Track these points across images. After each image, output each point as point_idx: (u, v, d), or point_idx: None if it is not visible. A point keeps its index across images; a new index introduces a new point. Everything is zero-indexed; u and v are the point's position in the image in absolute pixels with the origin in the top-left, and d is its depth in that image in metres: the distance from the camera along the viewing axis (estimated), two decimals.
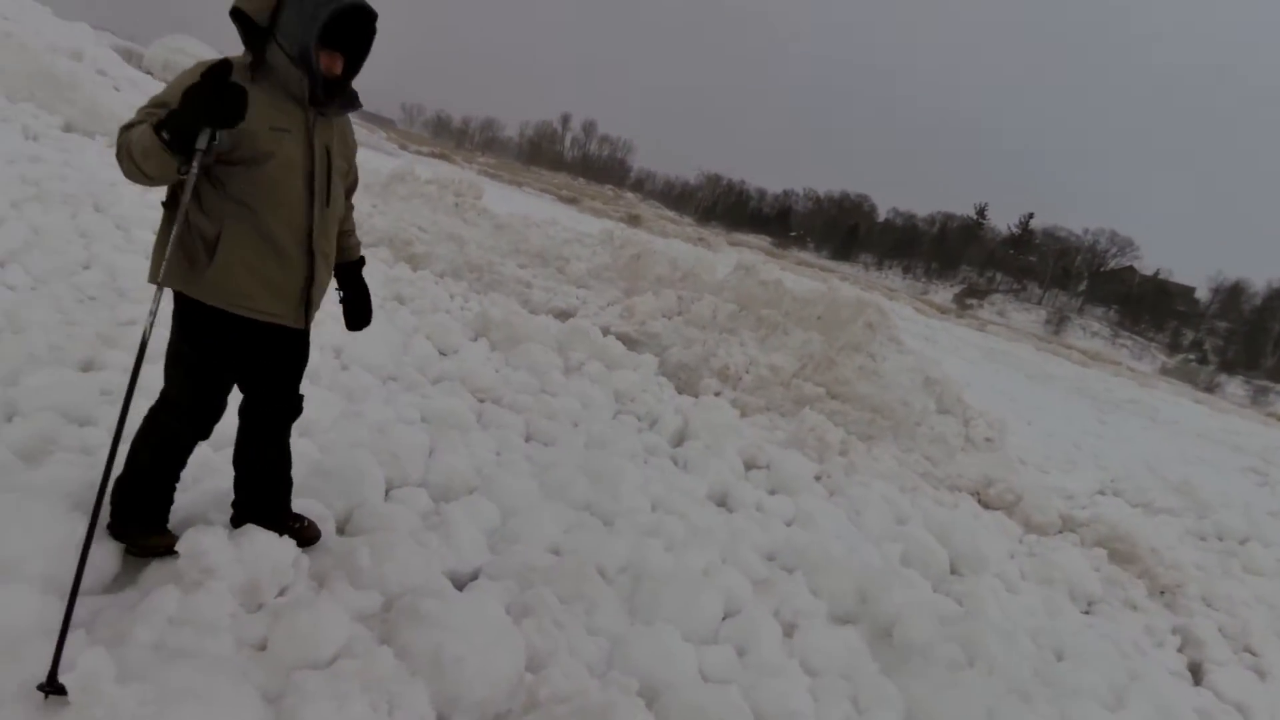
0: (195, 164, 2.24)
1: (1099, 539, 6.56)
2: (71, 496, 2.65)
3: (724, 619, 3.66)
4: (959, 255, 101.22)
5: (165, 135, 2.16)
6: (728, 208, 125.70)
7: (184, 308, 2.51)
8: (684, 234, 48.22)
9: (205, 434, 2.73)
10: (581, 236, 10.31)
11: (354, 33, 2.53)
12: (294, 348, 2.80)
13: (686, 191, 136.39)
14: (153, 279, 2.44)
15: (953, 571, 5.06)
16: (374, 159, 12.47)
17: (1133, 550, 6.27)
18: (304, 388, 4.77)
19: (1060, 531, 6.77)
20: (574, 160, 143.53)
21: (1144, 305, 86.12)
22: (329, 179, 2.60)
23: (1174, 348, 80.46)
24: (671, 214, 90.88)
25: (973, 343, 32.49)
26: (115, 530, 2.69)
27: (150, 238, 6.84)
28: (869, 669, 3.61)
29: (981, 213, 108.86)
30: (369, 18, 2.52)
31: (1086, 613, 5.46)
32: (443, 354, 6.61)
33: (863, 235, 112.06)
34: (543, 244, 9.83)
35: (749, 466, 5.98)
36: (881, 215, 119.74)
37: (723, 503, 5.34)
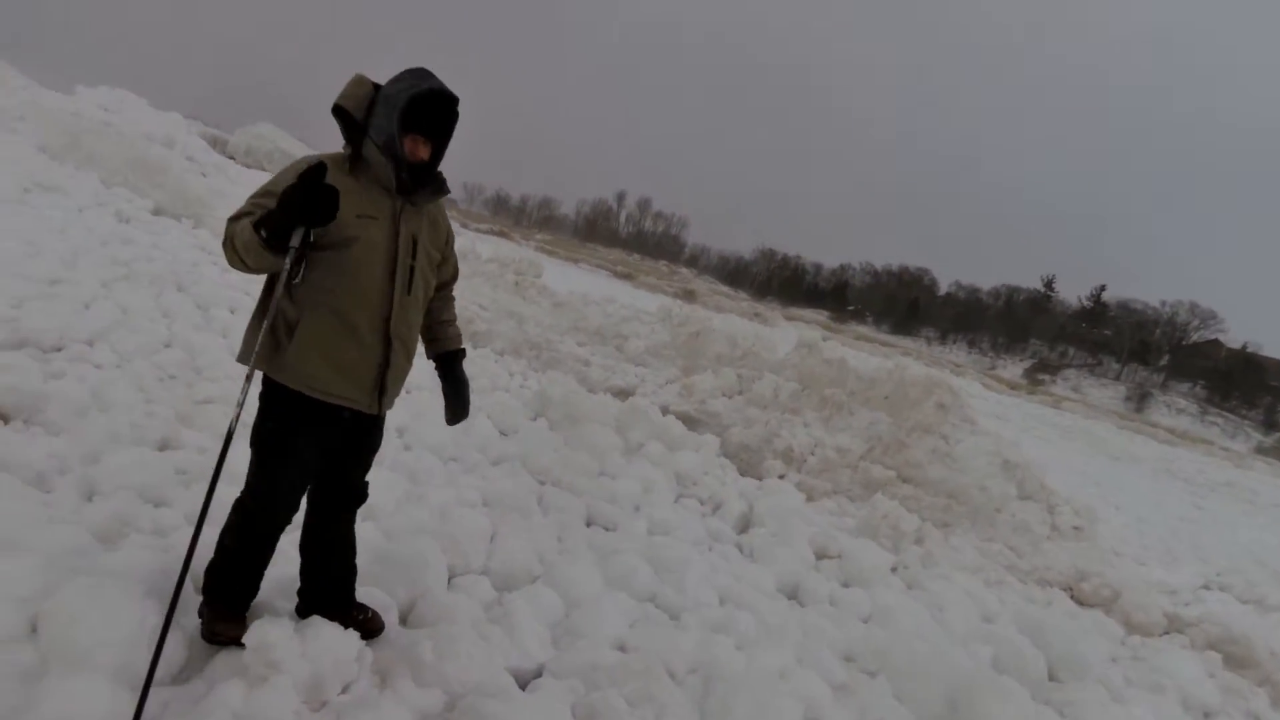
0: (288, 260, 2.36)
1: (1210, 641, 6.00)
2: (145, 582, 2.61)
3: None
4: (1027, 329, 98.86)
5: (264, 233, 2.29)
6: (783, 282, 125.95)
7: (267, 388, 2.58)
8: (740, 309, 48.27)
9: (285, 518, 2.73)
10: (640, 314, 10.26)
11: (437, 118, 2.58)
12: (366, 433, 2.78)
13: (741, 266, 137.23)
14: (241, 359, 2.55)
15: (1051, 678, 4.63)
16: None
17: (1249, 654, 5.71)
18: None
19: (1166, 632, 6.23)
20: (629, 236, 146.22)
21: (1233, 380, 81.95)
22: (413, 266, 2.62)
23: (1270, 425, 76.02)
24: (726, 289, 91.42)
25: (1048, 420, 31.39)
26: (201, 610, 2.73)
27: (227, 316, 7.00)
28: None
29: (1049, 285, 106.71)
30: (449, 102, 2.57)
31: None
32: (503, 434, 6.52)
33: (924, 309, 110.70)
34: (601, 321, 9.79)
35: (820, 556, 5.67)
36: (943, 288, 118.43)
37: (794, 595, 5.04)
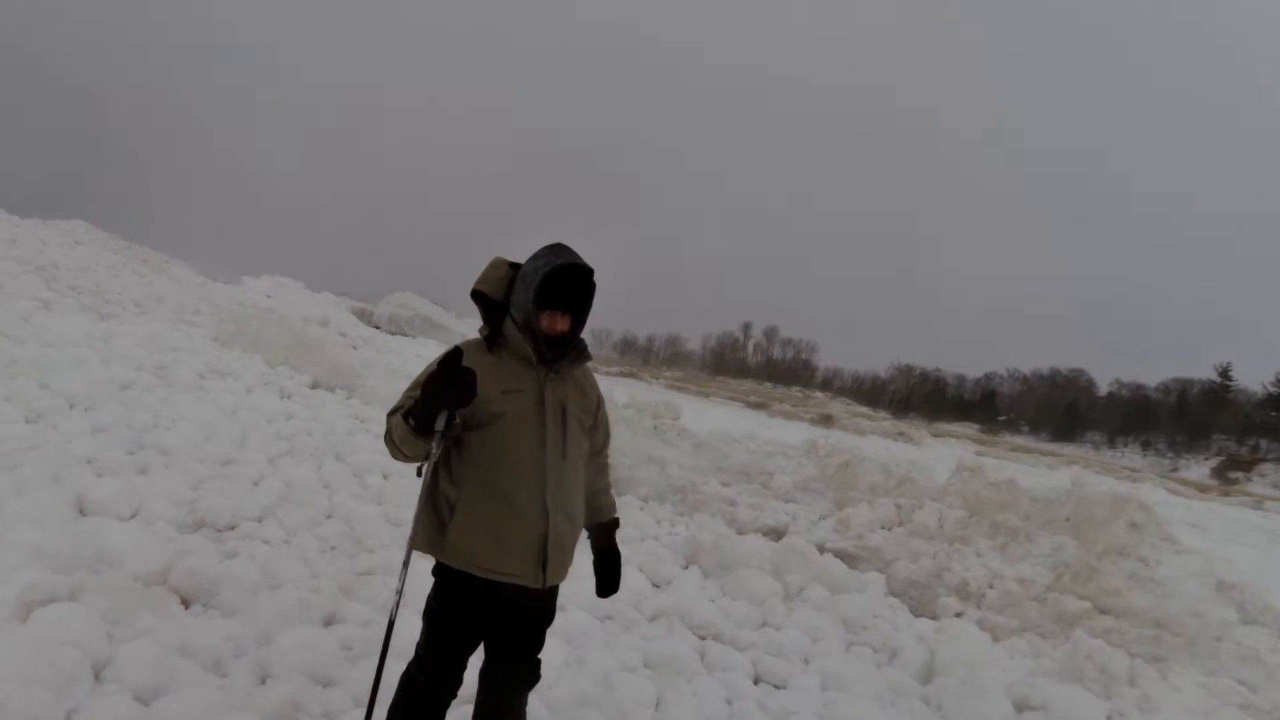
0: (436, 444, 2.47)
1: None
2: None
3: None
4: (1207, 424, 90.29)
5: (411, 421, 2.41)
6: (924, 397, 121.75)
7: (437, 569, 2.63)
8: (882, 429, 46.66)
9: (451, 692, 2.71)
10: (784, 449, 10.01)
11: (572, 291, 2.64)
12: (536, 610, 2.74)
13: (878, 385, 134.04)
14: (412, 544, 2.60)
15: None
16: None
17: None
18: None
19: None
20: (758, 365, 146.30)
21: None
22: (564, 433, 2.63)
23: None
24: (865, 409, 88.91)
25: (1253, 524, 28.01)
26: None
27: (381, 483, 7.30)
28: None
29: (1225, 374, 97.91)
30: (584, 275, 2.63)
31: None
32: (655, 585, 6.37)
33: (1084, 412, 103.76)
34: (744, 459, 9.59)
35: (1020, 708, 5.09)
36: (1102, 389, 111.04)
37: None
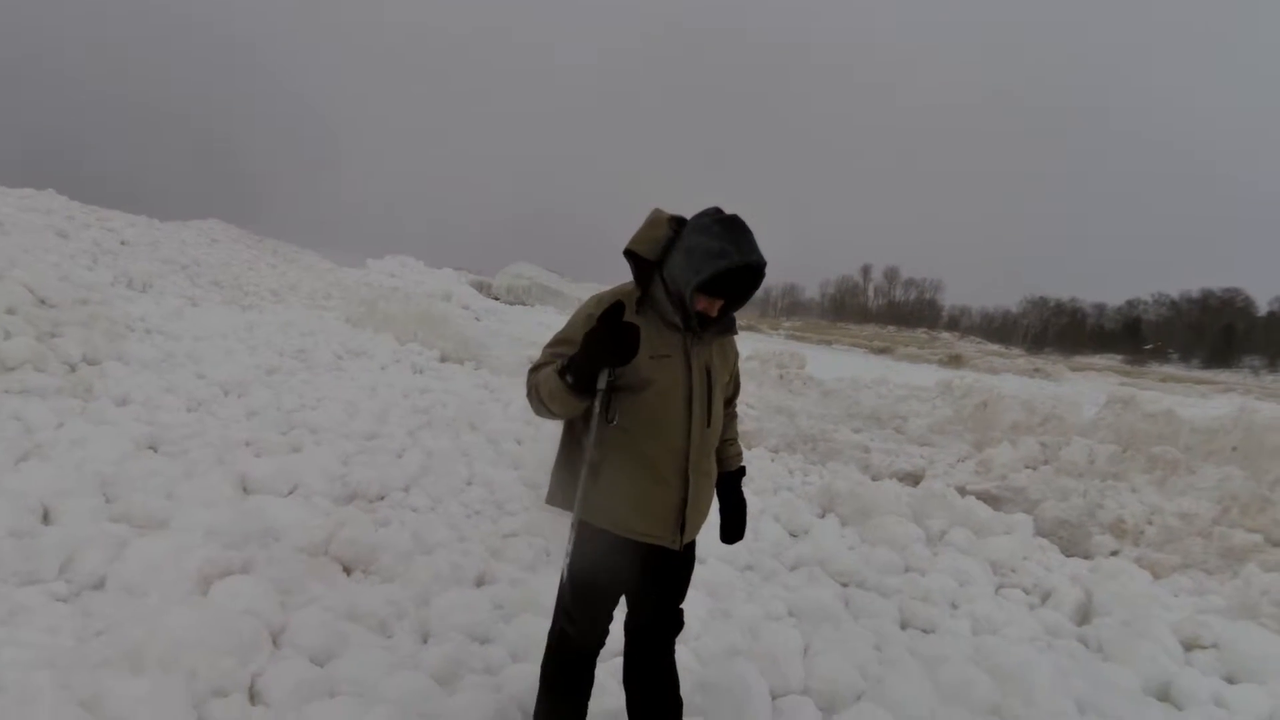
0: (597, 402, 2.40)
1: None
2: None
3: None
4: None
5: (569, 379, 2.31)
6: (1060, 330, 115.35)
7: (576, 525, 2.59)
8: (1016, 367, 44.64)
9: (597, 644, 2.74)
10: (917, 391, 9.74)
11: (738, 281, 2.49)
12: (676, 565, 2.74)
13: (1009, 320, 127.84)
14: (550, 500, 2.63)
15: None
16: None
17: None
18: None
19: None
20: (879, 309, 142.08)
21: None
22: (709, 398, 2.58)
23: None
24: (996, 347, 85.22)
25: None
26: None
27: (515, 448, 7.54)
28: None
29: None
30: (755, 271, 2.49)
31: None
32: (793, 535, 6.36)
33: (1241, 335, 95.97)
34: (875, 404, 9.40)
35: (1189, 647, 4.84)
36: (1262, 309, 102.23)
37: (1166, 697, 4.32)
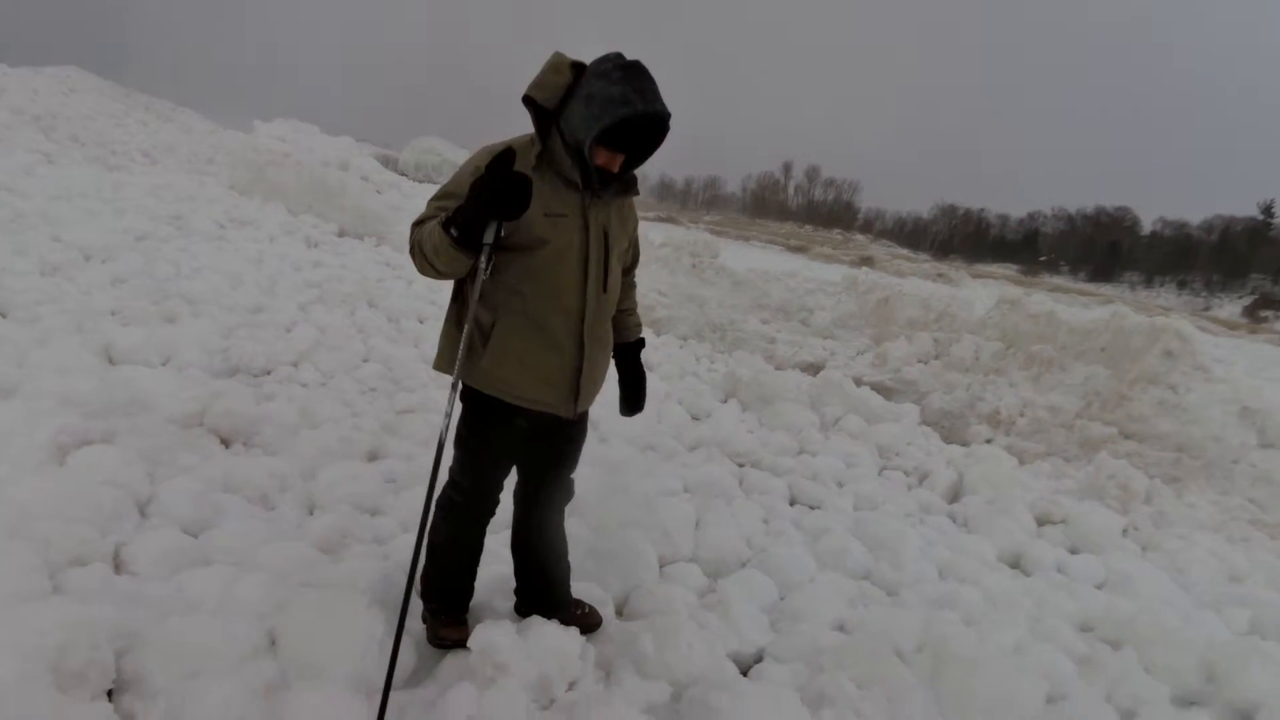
0: (484, 258, 2.23)
1: None
2: (371, 592, 2.73)
3: (1047, 703, 3.21)
4: (1246, 263, 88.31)
5: (454, 232, 2.15)
6: (966, 238, 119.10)
7: (465, 393, 2.53)
8: (921, 271, 46.05)
9: (488, 513, 2.72)
10: (824, 285, 10.06)
11: (643, 136, 2.36)
12: (569, 434, 2.71)
13: (919, 226, 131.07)
14: (438, 366, 2.51)
15: None
16: None
17: None
18: None
19: None
20: (799, 208, 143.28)
21: None
22: (606, 262, 2.47)
23: None
24: (905, 251, 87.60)
25: (1275, 359, 27.87)
26: (424, 616, 2.82)
27: (417, 327, 7.45)
28: None
29: (1268, 210, 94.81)
30: (660, 123, 2.33)
31: None
32: (696, 418, 6.59)
33: (1126, 252, 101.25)
34: (784, 296, 9.69)
35: (1041, 522, 5.36)
36: (1146, 228, 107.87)
37: (1017, 565, 4.80)
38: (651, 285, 9.64)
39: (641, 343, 2.93)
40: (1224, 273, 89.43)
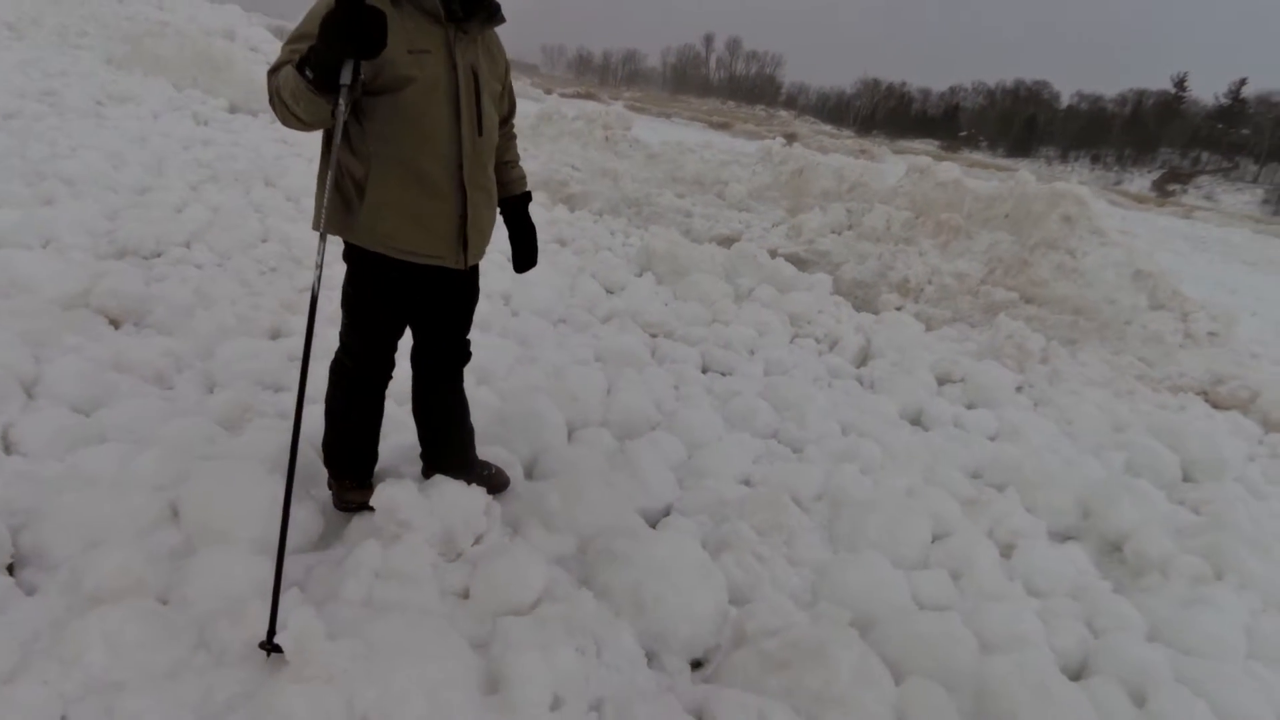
0: (343, 101, 2.07)
1: None
2: (272, 460, 2.73)
3: (933, 542, 3.44)
4: (1157, 138, 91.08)
5: (309, 74, 2.00)
6: (889, 114, 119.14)
7: (348, 252, 2.45)
8: (844, 147, 46.02)
9: (381, 376, 2.67)
10: (739, 157, 9.95)
11: None
12: (460, 290, 2.65)
13: (843, 102, 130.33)
14: (316, 226, 2.36)
15: (1186, 479, 4.54)
16: (520, 105, 12.65)
17: None
18: (475, 336, 4.88)
19: None
20: (721, 83, 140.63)
21: None
22: (478, 102, 2.37)
23: None
24: (829, 128, 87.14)
25: (1178, 232, 29.21)
26: (330, 483, 2.82)
27: None
28: (1100, 588, 3.29)
29: (1180, 84, 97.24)
30: None
31: None
32: (610, 292, 6.58)
33: (1043, 126, 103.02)
34: (699, 169, 9.58)
35: (942, 381, 5.61)
36: (1064, 102, 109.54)
37: (917, 421, 5.04)
38: (564, 160, 9.42)
39: (528, 196, 2.86)
40: (1136, 147, 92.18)
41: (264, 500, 2.51)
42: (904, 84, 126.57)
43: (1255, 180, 79.96)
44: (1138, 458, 4.59)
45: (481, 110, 2.39)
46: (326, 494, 2.85)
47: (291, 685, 1.79)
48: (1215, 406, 6.35)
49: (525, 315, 5.45)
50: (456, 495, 2.69)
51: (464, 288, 2.67)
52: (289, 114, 2.12)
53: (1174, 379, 6.71)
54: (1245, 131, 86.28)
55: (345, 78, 2.04)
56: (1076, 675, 2.81)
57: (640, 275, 7.17)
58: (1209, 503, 4.20)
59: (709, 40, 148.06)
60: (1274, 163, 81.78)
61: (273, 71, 2.17)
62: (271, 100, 2.17)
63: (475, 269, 2.69)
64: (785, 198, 9.29)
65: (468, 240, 2.45)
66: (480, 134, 2.40)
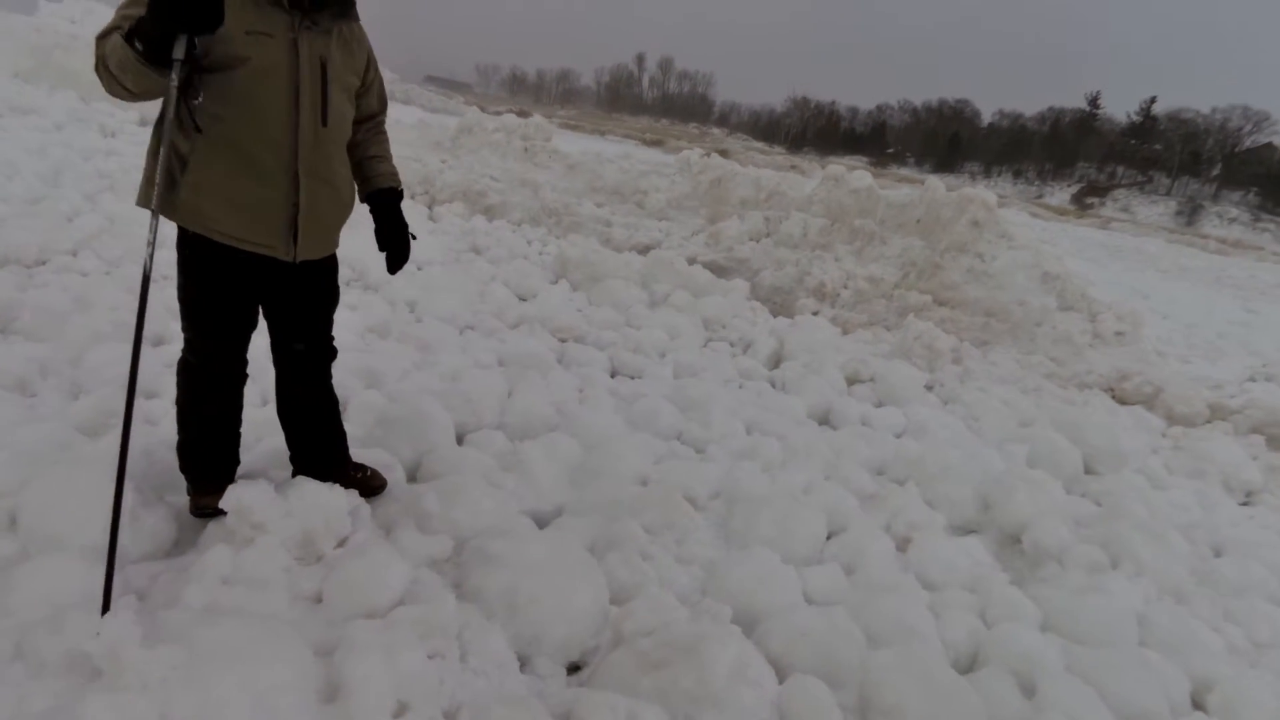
0: (175, 75, 1.98)
1: (1254, 425, 5.88)
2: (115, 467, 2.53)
3: (828, 538, 3.37)
4: (1074, 153, 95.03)
5: (138, 45, 1.90)
6: (818, 131, 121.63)
7: (178, 239, 2.32)
8: (775, 163, 46.72)
9: (232, 373, 2.52)
10: (659, 167, 9.95)
11: None
12: (303, 284, 2.49)
13: (774, 120, 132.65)
14: (139, 202, 2.26)
15: (1088, 471, 4.58)
16: (449, 122, 12.41)
17: None
18: (372, 342, 4.71)
19: (1209, 421, 6.10)
20: (654, 101, 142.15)
21: None
22: (324, 93, 2.27)
23: None
24: (760, 145, 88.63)
25: (1096, 241, 30.36)
26: (188, 490, 2.64)
27: None
28: (996, 580, 3.27)
29: (1094, 102, 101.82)
30: None
31: (1245, 504, 4.89)
32: (521, 299, 6.45)
33: (966, 143, 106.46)
34: (618, 179, 9.51)
35: (852, 382, 5.61)
36: (986, 119, 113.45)
37: (825, 420, 5.02)
38: (483, 171, 9.25)
39: (397, 192, 2.72)
40: (1055, 162, 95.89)
41: (104, 507, 2.31)
42: (833, 102, 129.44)
43: (1168, 193, 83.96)
44: (1040, 451, 4.61)
45: (328, 101, 2.29)
46: (183, 500, 2.66)
47: (101, 695, 1.65)
48: (1121, 402, 6.49)
49: (430, 321, 5.29)
50: (316, 496, 2.54)
51: (309, 282, 2.50)
52: (115, 84, 2.02)
53: (1081, 376, 6.84)
54: (1157, 147, 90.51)
55: (178, 52, 1.96)
56: (968, 667, 2.77)
57: (555, 282, 7.06)
58: (1108, 494, 4.25)
59: (641, 60, 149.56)
60: (1185, 176, 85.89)
61: (101, 37, 2.03)
62: (97, 68, 2.04)
63: (331, 266, 2.57)
64: (704, 206, 9.28)
65: (299, 232, 2.32)
66: (325, 124, 2.29)
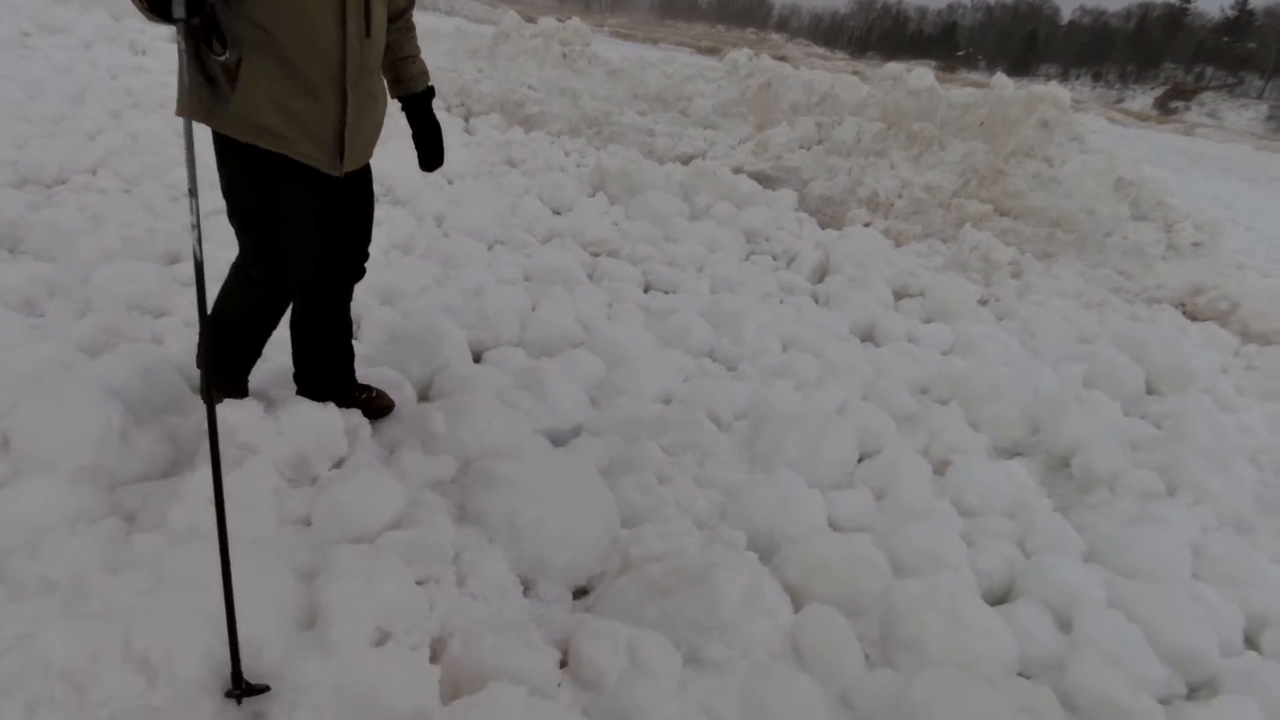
0: (181, 36, 1.87)
1: None
2: (116, 384, 2.45)
3: (860, 461, 3.20)
4: (1161, 53, 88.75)
5: None
6: (883, 34, 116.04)
7: (221, 148, 2.21)
8: (835, 69, 44.88)
9: (296, 285, 2.42)
10: (703, 71, 9.47)
11: None
12: (347, 198, 2.42)
13: (837, 22, 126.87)
14: (179, 112, 2.06)
15: (1150, 391, 4.26)
16: (488, 32, 11.96)
17: None
18: (395, 258, 4.57)
19: None
20: (710, 7, 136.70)
21: None
22: (367, 3, 2.16)
23: None
24: (822, 50, 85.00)
25: (1178, 149, 28.42)
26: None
27: None
28: (1040, 505, 3.06)
29: None
30: None
31: None
32: (556, 212, 6.23)
33: (1044, 43, 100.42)
34: (661, 85, 9.08)
35: (900, 296, 5.33)
36: (1065, 17, 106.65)
37: (869, 337, 4.78)
38: (521, 79, 8.91)
39: (431, 91, 2.64)
40: (1139, 63, 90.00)
41: (95, 425, 2.25)
42: (899, 1, 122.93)
43: (1260, 96, 78.02)
44: (1099, 369, 4.30)
45: (371, 10, 2.18)
46: (178, 420, 2.56)
47: (60, 621, 1.58)
48: (1192, 318, 6.08)
49: (456, 236, 5.12)
50: (309, 415, 2.44)
51: (349, 196, 2.44)
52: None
53: (1151, 290, 6.41)
54: (1251, 45, 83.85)
55: (178, 11, 1.81)
56: (1000, 599, 2.60)
57: (592, 196, 6.82)
58: (1170, 415, 3.95)
59: None
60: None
61: None
62: None
63: (367, 178, 2.49)
64: (753, 113, 8.84)
65: (345, 147, 2.24)
66: (369, 36, 2.19)
